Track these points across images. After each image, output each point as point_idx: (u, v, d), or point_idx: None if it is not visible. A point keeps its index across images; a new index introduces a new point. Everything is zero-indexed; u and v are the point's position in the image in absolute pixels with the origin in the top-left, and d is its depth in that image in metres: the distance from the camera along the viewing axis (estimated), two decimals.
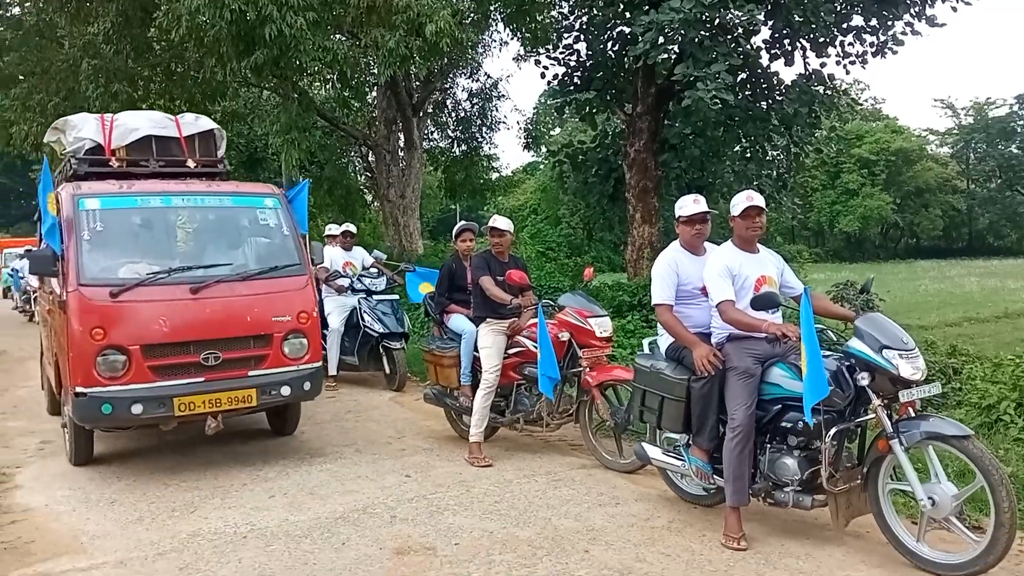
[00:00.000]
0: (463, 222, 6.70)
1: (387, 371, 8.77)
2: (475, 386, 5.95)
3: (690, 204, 4.60)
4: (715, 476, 4.36)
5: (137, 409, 5.19)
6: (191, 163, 6.51)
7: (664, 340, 4.69)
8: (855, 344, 3.91)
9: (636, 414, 4.87)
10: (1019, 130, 61.16)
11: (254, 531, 4.49)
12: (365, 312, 8.73)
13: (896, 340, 3.85)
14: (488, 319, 5.90)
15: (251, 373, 5.57)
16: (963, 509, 3.84)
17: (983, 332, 17.27)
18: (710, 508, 4.66)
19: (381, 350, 8.77)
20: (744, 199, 4.33)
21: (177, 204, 5.98)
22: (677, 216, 4.66)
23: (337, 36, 12.96)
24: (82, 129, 6.39)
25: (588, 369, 5.55)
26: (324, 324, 8.38)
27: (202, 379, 5.40)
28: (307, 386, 5.79)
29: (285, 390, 5.65)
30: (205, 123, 6.80)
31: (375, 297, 8.88)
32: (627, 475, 5.42)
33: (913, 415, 3.86)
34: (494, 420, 6.07)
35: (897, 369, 3.76)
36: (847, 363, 3.94)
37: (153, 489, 5.31)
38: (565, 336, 5.63)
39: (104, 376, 5.16)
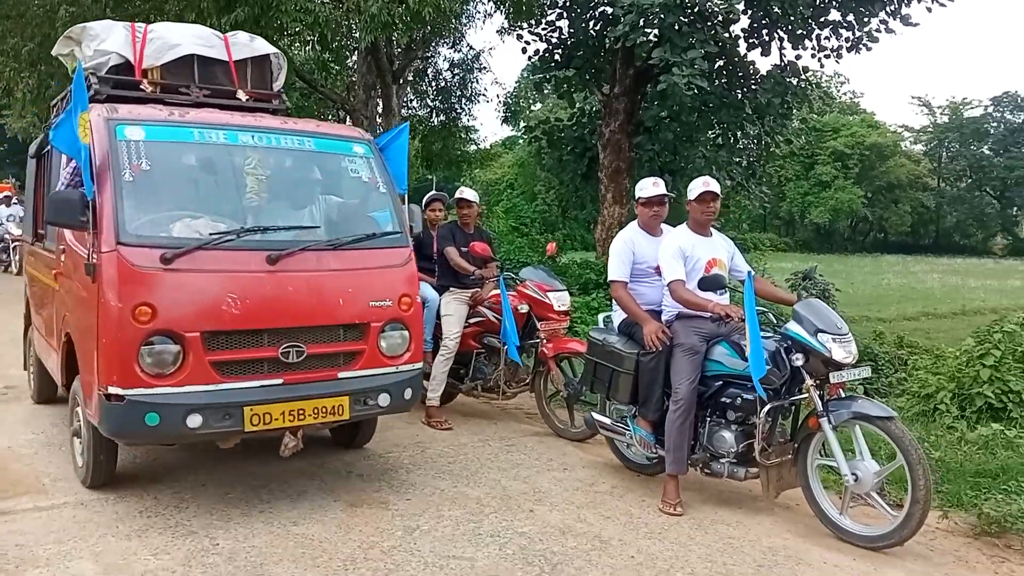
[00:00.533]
0: (433, 192, 6.82)
1: None
2: (436, 352, 6.13)
3: (649, 187, 4.81)
4: (657, 446, 4.58)
5: (195, 421, 3.82)
6: (242, 95, 5.06)
7: (617, 316, 4.89)
8: (792, 327, 4.15)
9: (588, 385, 5.09)
10: (992, 132, 62.16)
11: (213, 479, 4.64)
12: None
13: (831, 325, 4.08)
14: (452, 288, 6.07)
15: (341, 375, 4.25)
16: (884, 486, 4.11)
17: (939, 327, 17.77)
18: (651, 477, 4.89)
19: None
20: (700, 184, 4.56)
21: (246, 143, 4.47)
22: (636, 197, 4.88)
23: None
24: (105, 40, 4.93)
25: (545, 341, 5.75)
26: None
27: (280, 381, 4.05)
28: (408, 394, 4.48)
29: (383, 399, 4.34)
30: (261, 45, 5.33)
31: None
32: (577, 443, 5.65)
33: (843, 396, 4.11)
34: (453, 386, 6.26)
35: (830, 352, 4.00)
36: (784, 344, 4.17)
37: None
38: (524, 308, 5.81)
39: (150, 373, 3.80)
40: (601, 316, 5.28)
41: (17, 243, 15.95)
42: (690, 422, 4.36)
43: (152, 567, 3.53)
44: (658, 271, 4.65)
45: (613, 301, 4.86)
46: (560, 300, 5.82)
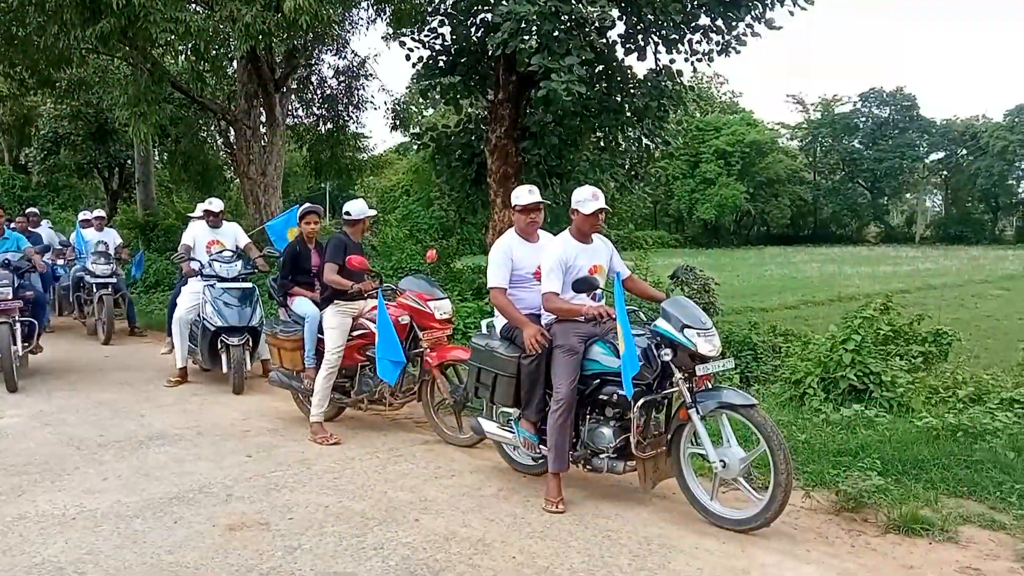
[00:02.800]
0: (307, 204, 6.75)
1: (223, 370, 7.63)
2: (320, 368, 6.06)
3: (525, 194, 4.91)
4: (541, 446, 4.68)
5: None
6: None
7: (499, 321, 4.98)
8: (661, 324, 4.33)
9: (472, 390, 5.15)
10: (861, 126, 65.95)
11: (83, 513, 4.46)
12: (207, 302, 7.61)
13: (696, 320, 4.28)
14: (337, 300, 6.02)
15: None
16: (751, 471, 4.33)
17: (817, 314, 18.76)
18: (538, 477, 4.98)
19: (219, 346, 7.63)
20: (592, 198, 4.62)
21: None
22: (513, 205, 4.97)
23: (192, 6, 12.52)
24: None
25: (429, 350, 5.78)
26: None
27: None
28: None
29: None
30: None
31: (221, 285, 7.65)
32: (466, 449, 5.70)
33: (710, 387, 4.31)
34: (339, 400, 6.21)
35: (695, 346, 4.20)
36: (655, 341, 4.35)
37: None
38: (405, 319, 5.83)
39: None
40: (484, 322, 5.34)
41: (105, 291, 10.71)
42: (570, 421, 4.48)
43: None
44: (537, 276, 4.76)
45: (494, 307, 4.94)
46: (441, 309, 5.86)
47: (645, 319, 4.61)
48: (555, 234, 4.97)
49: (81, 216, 12.46)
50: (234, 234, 8.39)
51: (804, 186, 63.63)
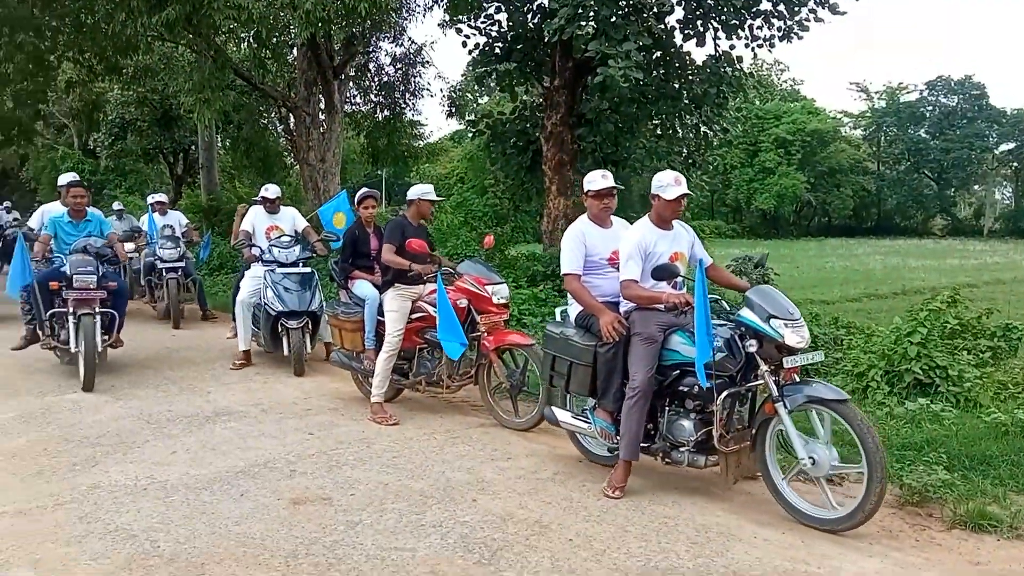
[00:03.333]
0: (365, 189, 6.83)
1: (285, 352, 7.77)
2: (380, 350, 6.15)
3: (599, 179, 4.85)
4: (618, 436, 4.54)
5: None
6: None
7: (573, 309, 4.90)
8: (745, 313, 4.20)
9: (546, 378, 5.06)
10: (928, 115, 63.92)
11: (154, 484, 4.62)
12: (268, 287, 7.70)
13: (783, 310, 4.13)
14: (397, 283, 6.09)
15: None
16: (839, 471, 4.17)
17: (880, 308, 18.29)
18: (595, 464, 4.97)
19: (280, 329, 7.74)
20: (674, 183, 4.50)
21: None
22: (586, 190, 4.90)
23: None
24: None
25: (486, 334, 5.82)
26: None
27: None
28: None
29: None
30: None
31: (281, 270, 7.75)
32: (521, 432, 5.73)
33: (797, 380, 4.13)
34: (397, 382, 6.30)
35: (782, 337, 4.04)
36: (738, 331, 4.22)
37: (54, 445, 5.36)
38: (463, 303, 5.87)
39: None
40: (558, 310, 5.27)
41: (174, 275, 10.75)
42: (646, 410, 4.38)
43: (92, 572, 3.52)
44: (611, 263, 4.71)
45: (568, 294, 4.88)
46: (498, 293, 5.89)
47: (729, 308, 4.49)
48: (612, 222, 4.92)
49: (151, 199, 12.53)
50: (292, 219, 8.52)
51: (867, 176, 62.00)
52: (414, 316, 6.12)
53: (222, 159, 25.39)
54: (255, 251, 8.04)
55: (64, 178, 8.25)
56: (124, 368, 7.87)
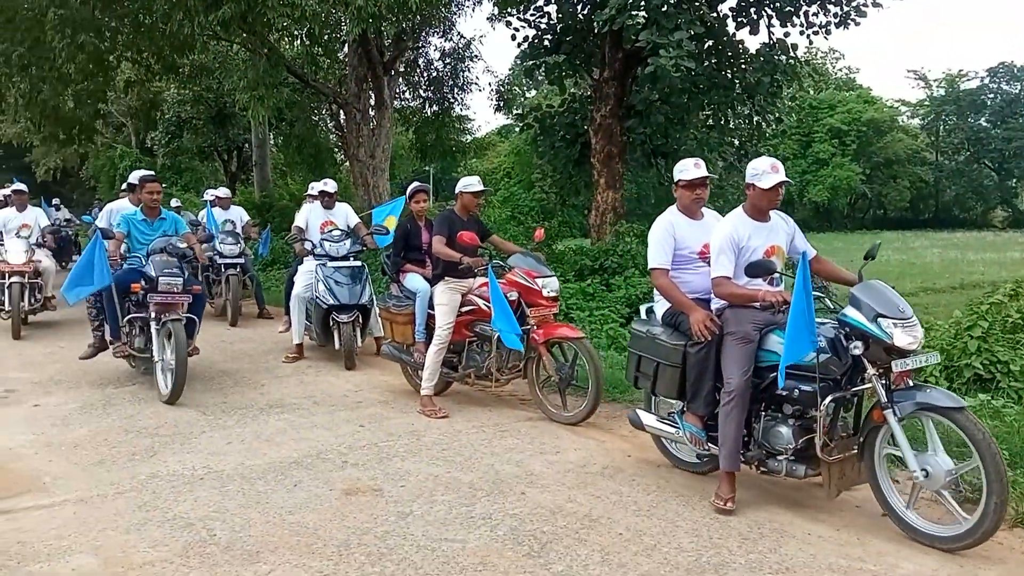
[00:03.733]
0: (416, 183, 6.87)
1: (336, 346, 7.81)
2: (430, 343, 6.19)
3: (691, 168, 4.54)
4: (710, 443, 4.34)
5: None
6: None
7: (660, 306, 4.64)
8: (850, 312, 3.87)
9: (631, 379, 4.85)
10: (989, 103, 61.90)
11: (211, 473, 4.73)
12: (319, 280, 7.77)
13: (893, 309, 3.77)
14: (447, 277, 6.12)
15: None
16: (958, 483, 3.79)
17: (938, 302, 17.76)
18: (682, 470, 4.77)
19: (331, 323, 7.81)
20: (771, 170, 4.15)
21: None
22: (676, 180, 4.61)
23: None
24: None
25: (535, 327, 5.81)
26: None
27: None
28: None
29: None
30: None
31: (332, 264, 7.83)
32: (570, 427, 5.71)
33: (910, 384, 3.80)
34: (447, 375, 6.34)
35: (892, 338, 3.70)
36: (843, 331, 3.89)
37: (114, 436, 5.51)
38: (513, 296, 5.87)
39: None
40: (643, 307, 4.98)
41: (233, 271, 10.66)
42: (744, 415, 4.10)
43: (151, 559, 3.61)
44: (702, 256, 4.43)
45: (654, 290, 4.60)
46: (549, 286, 5.87)
47: (833, 306, 4.12)
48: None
49: (209, 194, 12.37)
50: (345, 214, 8.61)
51: (925, 167, 60.27)
52: (464, 309, 6.14)
53: (274, 156, 25.83)
54: (307, 245, 8.13)
55: (137, 174, 7.74)
56: None
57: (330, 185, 8.59)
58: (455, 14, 19.14)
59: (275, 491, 4.43)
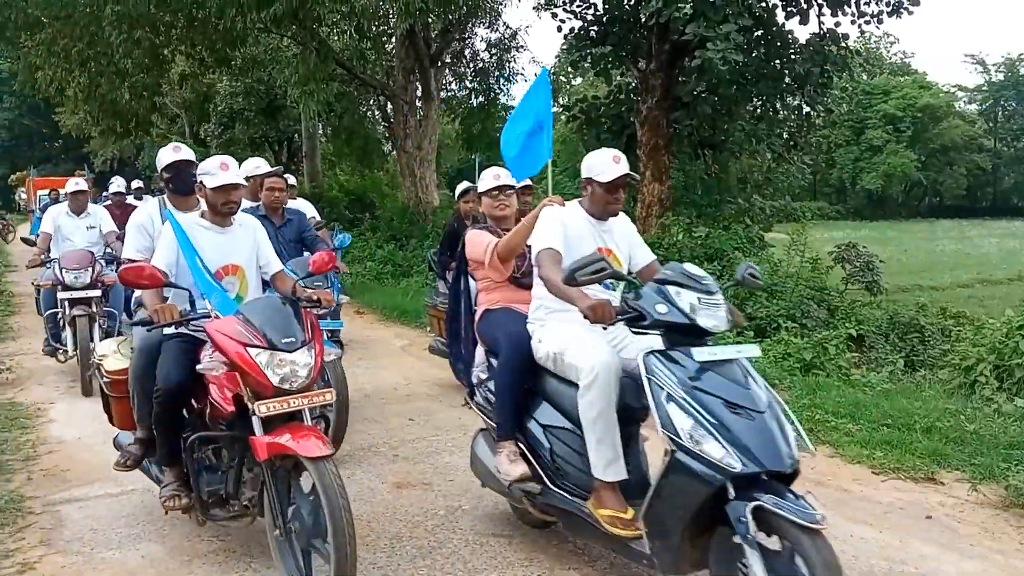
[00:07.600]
0: (465, 183, 6.97)
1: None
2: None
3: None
4: None
5: None
6: None
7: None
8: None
9: None
10: None
11: None
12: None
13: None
14: None
15: None
16: None
17: (994, 294, 17.37)
18: None
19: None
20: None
21: None
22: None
23: None
24: None
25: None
26: None
27: None
28: None
29: None
30: None
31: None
32: None
33: None
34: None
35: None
36: None
37: None
38: None
39: None
40: None
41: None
42: None
43: (215, 547, 3.81)
44: None
45: None
46: None
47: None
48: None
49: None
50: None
51: (983, 154, 58.64)
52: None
53: (324, 147, 26.21)
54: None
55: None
56: None
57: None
58: (501, 5, 19.21)
59: None
